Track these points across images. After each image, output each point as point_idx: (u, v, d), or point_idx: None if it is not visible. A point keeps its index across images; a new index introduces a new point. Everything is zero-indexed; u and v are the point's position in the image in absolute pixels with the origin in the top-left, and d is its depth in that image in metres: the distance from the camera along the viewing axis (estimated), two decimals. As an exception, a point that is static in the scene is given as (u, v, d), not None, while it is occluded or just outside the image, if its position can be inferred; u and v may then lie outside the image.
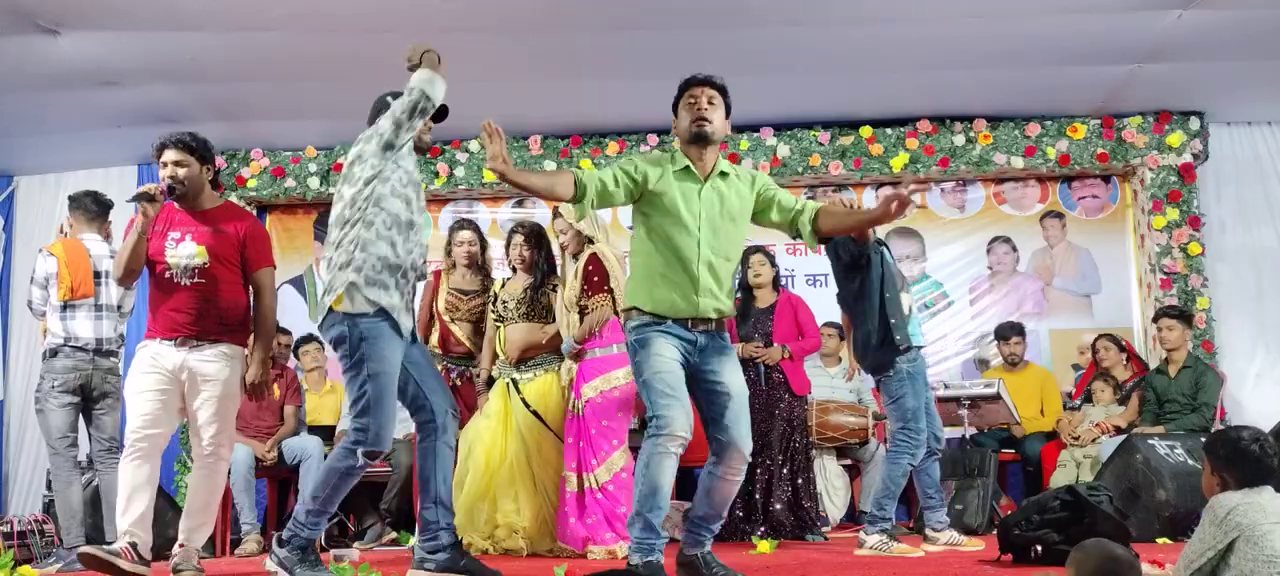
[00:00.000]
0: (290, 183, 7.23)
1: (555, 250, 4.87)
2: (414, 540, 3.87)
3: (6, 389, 7.38)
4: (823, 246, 3.89)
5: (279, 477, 5.95)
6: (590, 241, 4.58)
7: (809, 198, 3.61)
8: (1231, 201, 6.96)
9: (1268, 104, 6.78)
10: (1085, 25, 5.54)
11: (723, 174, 3.41)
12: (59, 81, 5.88)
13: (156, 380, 3.73)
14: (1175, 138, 6.78)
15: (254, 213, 7.38)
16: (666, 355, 3.26)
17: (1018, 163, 6.89)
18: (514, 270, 4.89)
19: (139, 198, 3.73)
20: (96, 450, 4.67)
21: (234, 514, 5.53)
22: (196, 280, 3.75)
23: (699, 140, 3.34)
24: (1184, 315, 5.87)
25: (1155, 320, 6.06)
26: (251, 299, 3.88)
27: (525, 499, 4.57)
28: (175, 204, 3.84)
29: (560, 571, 3.49)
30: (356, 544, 5.42)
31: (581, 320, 4.55)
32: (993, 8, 5.36)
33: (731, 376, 3.33)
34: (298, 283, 7.50)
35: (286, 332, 6.27)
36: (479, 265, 5.12)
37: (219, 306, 3.77)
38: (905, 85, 6.41)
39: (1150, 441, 5.04)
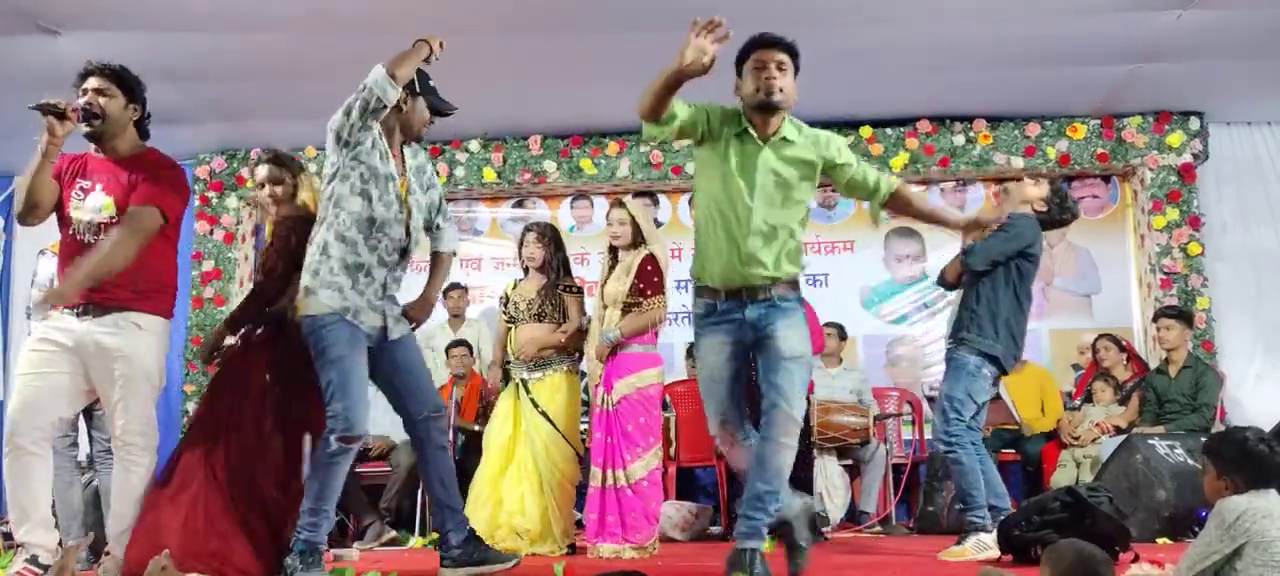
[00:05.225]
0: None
1: (573, 248, 4.80)
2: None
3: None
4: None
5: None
6: (644, 241, 4.55)
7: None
8: (1231, 201, 6.97)
9: (1268, 104, 6.79)
10: (1085, 25, 5.55)
11: (786, 139, 3.24)
12: (60, 82, 5.80)
13: (45, 358, 3.18)
14: (1175, 138, 6.79)
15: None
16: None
17: (1018, 163, 6.89)
18: (526, 270, 4.84)
19: (44, 107, 3.12)
20: (97, 450, 4.65)
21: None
22: (103, 238, 3.22)
23: (765, 110, 3.19)
24: (1183, 315, 5.87)
25: (1155, 320, 6.06)
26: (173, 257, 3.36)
27: (531, 499, 4.56)
28: (92, 149, 3.34)
29: (559, 570, 3.49)
30: (356, 544, 5.41)
31: (622, 315, 4.47)
32: (992, 8, 5.36)
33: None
34: (298, 283, 7.49)
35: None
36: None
37: (130, 268, 3.19)
38: (905, 85, 6.42)
39: (1150, 441, 5.04)
